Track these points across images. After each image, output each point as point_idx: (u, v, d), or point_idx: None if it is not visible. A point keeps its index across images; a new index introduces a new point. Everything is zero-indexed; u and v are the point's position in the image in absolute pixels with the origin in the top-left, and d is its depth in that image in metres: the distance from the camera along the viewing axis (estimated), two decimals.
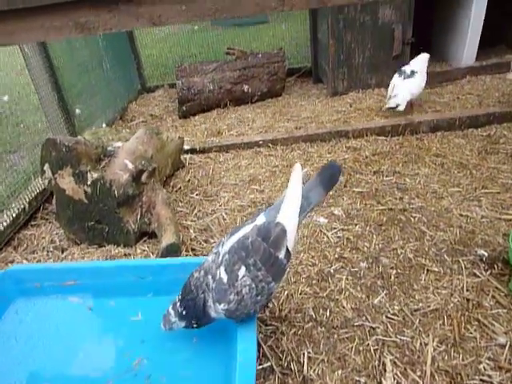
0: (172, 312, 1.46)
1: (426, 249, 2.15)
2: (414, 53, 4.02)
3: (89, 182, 2.17)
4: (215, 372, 1.51)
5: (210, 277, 1.40)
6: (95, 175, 2.18)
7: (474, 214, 2.38)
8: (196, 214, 2.63)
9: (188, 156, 3.40)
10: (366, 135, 3.44)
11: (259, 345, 1.70)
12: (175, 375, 1.51)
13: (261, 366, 1.63)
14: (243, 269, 1.35)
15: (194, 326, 1.48)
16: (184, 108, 4.50)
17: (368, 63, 4.36)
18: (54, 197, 2.38)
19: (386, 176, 2.88)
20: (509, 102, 3.77)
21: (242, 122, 4.17)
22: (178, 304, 1.44)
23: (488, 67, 4.48)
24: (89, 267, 1.92)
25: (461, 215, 2.39)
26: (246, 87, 4.61)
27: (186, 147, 3.41)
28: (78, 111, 3.38)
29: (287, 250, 1.41)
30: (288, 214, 1.41)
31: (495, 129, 3.37)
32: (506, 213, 2.36)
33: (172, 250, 2.09)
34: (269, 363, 1.64)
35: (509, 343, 1.63)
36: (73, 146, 2.16)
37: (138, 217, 2.28)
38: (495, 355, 1.60)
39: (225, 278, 1.36)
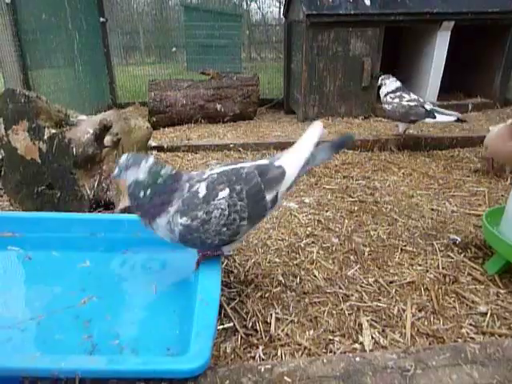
0: (136, 171, 1.25)
1: (399, 232, 2.08)
2: None
3: (45, 137, 1.99)
4: (168, 319, 1.29)
5: (186, 185, 1.25)
6: (53, 131, 2.00)
7: (444, 209, 2.36)
8: None
9: (154, 152, 3.26)
10: None
11: (221, 306, 1.50)
12: (120, 321, 1.27)
13: (222, 326, 1.42)
14: (226, 191, 1.25)
15: (134, 208, 1.29)
16: (154, 119, 4.43)
17: (338, 92, 4.54)
18: (4, 159, 2.16)
19: (356, 180, 2.86)
20: (470, 130, 3.97)
21: (213, 134, 4.12)
22: (147, 179, 1.24)
23: (448, 107, 4.75)
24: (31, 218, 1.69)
25: (432, 209, 2.36)
26: (219, 106, 4.63)
27: (153, 144, 3.28)
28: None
29: (276, 195, 1.33)
30: (291, 161, 1.35)
31: (458, 151, 3.50)
32: (475, 210, 2.36)
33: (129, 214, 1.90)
34: (231, 323, 1.43)
35: (490, 312, 1.52)
36: (33, 98, 2.01)
37: (96, 183, 2.09)
38: (477, 322, 1.48)
39: (202, 192, 1.24)
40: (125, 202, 1.94)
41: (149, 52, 14.04)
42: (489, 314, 1.51)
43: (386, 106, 3.41)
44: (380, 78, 3.52)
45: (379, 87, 3.54)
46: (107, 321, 1.23)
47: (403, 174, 3.01)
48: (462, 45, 4.82)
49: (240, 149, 3.39)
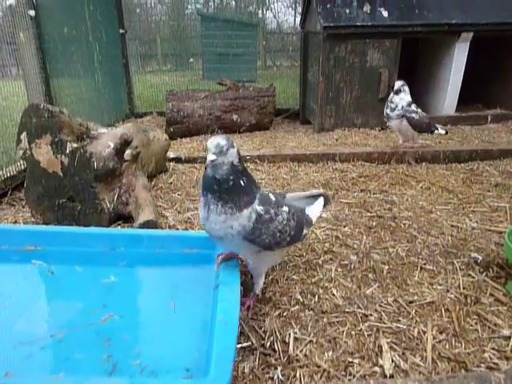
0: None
1: (419, 250, 2.05)
2: None
3: (67, 151, 2.03)
4: (187, 338, 1.29)
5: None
6: (75, 145, 2.04)
7: (464, 226, 2.32)
8: (176, 209, 2.47)
9: (172, 164, 3.29)
10: (353, 160, 3.45)
11: (239, 325, 1.50)
12: (139, 339, 1.28)
13: (240, 345, 1.42)
14: (287, 208, 1.50)
15: (223, 191, 1.34)
16: (171, 129, 4.48)
17: (355, 103, 4.53)
18: (27, 171, 2.21)
19: (374, 193, 2.84)
20: (490, 142, 3.91)
21: None
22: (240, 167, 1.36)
23: (467, 118, 4.72)
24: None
25: (452, 226, 2.32)
26: (235, 116, 4.66)
27: (171, 155, 3.32)
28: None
29: (304, 234, 1.63)
30: (314, 215, 1.69)
31: (477, 164, 3.44)
32: (496, 226, 2.32)
33: (148, 228, 1.92)
34: (249, 342, 1.43)
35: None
36: (56, 113, 2.05)
37: (116, 197, 2.12)
38: (500, 346, 1.45)
39: (272, 198, 1.47)
40: (144, 216, 1.97)
41: (165, 60, 14.27)
42: None
43: (414, 115, 3.37)
44: (400, 84, 3.42)
45: (397, 92, 3.42)
46: (127, 339, 1.24)
47: (421, 187, 2.97)
48: (482, 56, 4.77)
49: (257, 160, 3.40)
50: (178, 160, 3.35)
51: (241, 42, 11.56)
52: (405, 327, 1.53)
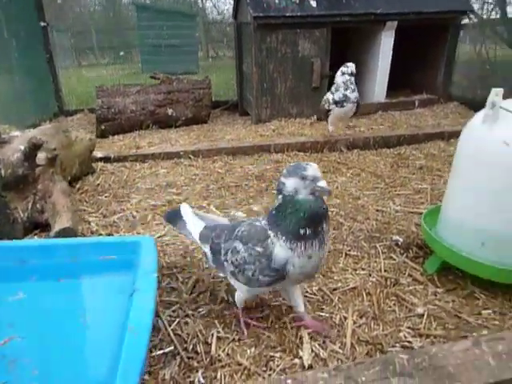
0: None
1: (344, 236, 2.10)
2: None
3: None
4: (97, 354, 1.23)
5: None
6: None
7: (388, 209, 2.41)
8: (102, 213, 2.36)
9: (100, 164, 3.15)
10: (288, 150, 3.48)
11: (160, 330, 1.46)
12: (45, 360, 1.21)
13: (161, 351, 1.38)
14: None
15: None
16: (103, 127, 4.28)
17: (290, 93, 4.56)
18: None
19: None
20: (417, 127, 4.10)
21: (165, 141, 4.03)
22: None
23: (396, 104, 4.91)
24: None
25: (377, 210, 2.41)
26: (170, 111, 4.54)
27: (98, 155, 3.17)
28: None
29: None
30: None
31: (405, 149, 3.60)
32: (418, 208, 2.43)
33: (65, 237, 1.81)
34: (171, 347, 1.40)
35: (427, 313, 1.57)
36: None
37: (30, 205, 1.98)
38: (414, 324, 1.52)
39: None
40: (61, 223, 1.85)
41: (103, 53, 13.60)
42: (425, 316, 1.55)
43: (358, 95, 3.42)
44: (354, 65, 3.36)
45: (353, 74, 3.34)
46: (30, 362, 1.16)
47: (352, 174, 3.06)
48: (407, 44, 4.97)
49: (191, 156, 3.33)
50: (106, 159, 3.21)
51: (179, 33, 11.27)
52: (327, 315, 1.56)
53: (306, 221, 1.18)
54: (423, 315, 1.56)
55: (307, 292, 1.69)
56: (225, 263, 1.39)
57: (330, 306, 1.62)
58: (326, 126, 3.67)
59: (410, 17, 4.50)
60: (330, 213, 2.35)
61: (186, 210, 1.63)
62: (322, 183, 1.17)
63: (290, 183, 1.19)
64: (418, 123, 4.34)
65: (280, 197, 1.23)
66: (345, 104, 3.38)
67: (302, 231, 1.19)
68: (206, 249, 1.49)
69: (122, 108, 4.35)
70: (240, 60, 5.09)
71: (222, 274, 1.59)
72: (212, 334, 1.45)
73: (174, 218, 1.65)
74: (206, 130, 4.52)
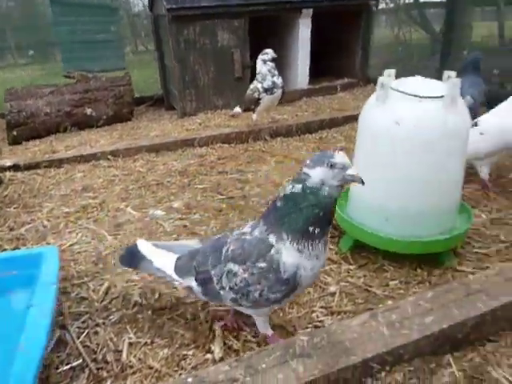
0: None
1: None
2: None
3: None
4: None
5: None
6: None
7: None
8: (8, 226, 2.20)
9: (9, 174, 2.91)
10: (212, 143, 3.44)
11: (67, 344, 1.39)
12: None
13: (68, 366, 1.31)
14: None
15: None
16: (14, 133, 3.97)
17: (213, 85, 4.51)
18: None
19: (230, 174, 2.87)
20: (339, 110, 4.23)
21: (84, 143, 3.81)
22: None
23: (320, 89, 5.03)
24: None
25: None
26: (89, 110, 4.31)
27: (7, 163, 2.94)
28: None
29: None
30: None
31: (326, 133, 3.70)
32: None
33: None
34: (79, 360, 1.33)
35: (339, 290, 1.62)
36: None
37: None
38: (327, 303, 1.56)
39: None
40: None
41: (21, 53, 12.61)
42: (338, 293, 1.61)
43: None
44: (272, 51, 3.40)
45: (274, 60, 3.41)
46: None
47: (275, 162, 3.09)
48: (327, 30, 5.10)
49: (109, 157, 3.19)
50: (16, 168, 2.98)
51: (101, 28, 10.72)
52: None
53: (319, 218, 1.07)
54: (335, 293, 1.61)
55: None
56: (221, 292, 1.22)
57: None
58: (250, 116, 3.68)
59: (323, 4, 4.60)
60: (251, 202, 2.38)
61: (145, 246, 1.39)
62: (353, 171, 1.05)
63: (317, 173, 1.05)
64: (340, 107, 4.48)
65: (299, 186, 1.07)
66: (275, 90, 3.43)
67: (311, 229, 1.08)
68: (191, 282, 1.28)
69: (35, 111, 4.06)
70: (161, 53, 4.94)
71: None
72: (123, 341, 1.40)
73: (132, 258, 1.41)
74: (130, 127, 4.35)
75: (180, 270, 1.29)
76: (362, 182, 1.07)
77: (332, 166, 1.04)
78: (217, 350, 1.32)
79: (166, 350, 1.36)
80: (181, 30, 4.18)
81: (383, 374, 1.12)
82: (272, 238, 1.11)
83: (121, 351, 1.36)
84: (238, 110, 3.90)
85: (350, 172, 1.05)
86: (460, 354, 1.22)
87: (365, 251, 1.87)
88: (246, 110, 3.76)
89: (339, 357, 1.06)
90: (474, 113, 3.12)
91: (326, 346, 1.10)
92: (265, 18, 4.74)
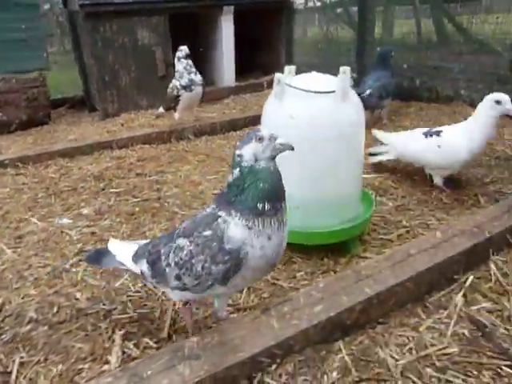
0: None
1: (177, 226, 2.08)
2: None
3: None
4: None
5: None
6: None
7: None
8: None
9: None
10: (132, 145, 3.33)
11: None
12: None
13: None
14: None
15: None
16: None
17: (136, 84, 4.37)
18: None
19: (149, 176, 2.79)
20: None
21: None
22: None
23: (247, 87, 5.06)
24: None
25: (214, 194, 2.44)
26: None
27: None
28: None
29: None
30: None
31: (247, 130, 3.72)
32: None
33: None
34: None
35: (245, 290, 1.62)
36: None
37: None
38: (234, 300, 1.56)
39: None
40: None
41: None
42: (245, 289, 1.61)
43: None
44: (187, 48, 3.39)
45: (189, 57, 3.39)
46: None
47: (198, 161, 3.06)
48: (252, 28, 5.13)
49: (18, 163, 2.98)
50: None
51: (18, 27, 10.00)
52: (148, 311, 1.52)
53: (266, 193, 1.06)
54: (242, 290, 1.61)
55: (131, 290, 1.63)
56: (166, 269, 1.18)
57: (153, 300, 1.58)
58: (173, 115, 3.61)
59: (245, 1, 4.63)
60: (166, 203, 2.34)
61: (114, 244, 1.40)
62: (282, 140, 1.07)
63: (247, 151, 1.07)
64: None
65: (237, 170, 1.08)
66: (193, 87, 3.38)
67: (260, 205, 1.06)
68: (143, 266, 1.26)
69: None
70: (80, 53, 4.71)
71: (165, 291, 1.34)
72: (14, 361, 1.31)
73: (98, 255, 1.42)
74: (46, 131, 4.12)
75: (137, 255, 1.30)
76: (292, 148, 1.10)
77: (260, 139, 1.07)
78: (113, 360, 1.27)
79: (60, 366, 1.29)
80: (97, 28, 4.01)
81: (274, 366, 1.14)
82: (221, 213, 1.11)
83: (10, 372, 1.27)
84: (161, 110, 3.82)
85: (279, 141, 1.08)
86: (350, 339, 1.27)
87: None
88: (167, 109, 3.68)
89: (227, 355, 1.06)
90: (372, 105, 3.30)
91: (215, 346, 1.09)
92: (187, 15, 4.68)
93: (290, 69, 1.84)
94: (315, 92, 1.60)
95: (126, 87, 4.34)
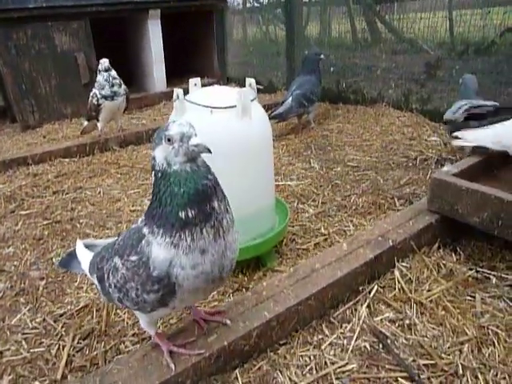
0: None
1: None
2: None
3: None
4: None
5: None
6: None
7: (145, 208, 2.36)
8: None
9: None
10: (50, 159, 3.13)
11: None
12: None
13: None
14: None
15: None
16: None
17: (58, 92, 4.13)
18: None
19: (67, 194, 2.63)
20: None
21: None
22: None
23: None
24: None
25: (132, 211, 2.34)
26: None
27: None
28: None
29: None
30: None
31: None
32: None
33: None
34: None
35: None
36: None
37: None
38: (140, 329, 1.48)
39: None
40: None
41: None
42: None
43: None
44: (108, 60, 3.24)
45: (109, 69, 3.23)
46: None
47: (121, 173, 2.93)
48: (183, 31, 5.02)
49: None
50: None
51: None
52: (44, 349, 1.41)
53: (186, 198, 0.90)
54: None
55: (28, 327, 1.50)
56: (109, 290, 1.07)
57: (51, 337, 1.47)
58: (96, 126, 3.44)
59: (172, 4, 4.51)
60: (78, 224, 2.20)
61: (80, 247, 1.30)
62: (196, 140, 0.90)
63: (159, 153, 0.92)
64: None
65: (152, 175, 0.95)
66: (115, 98, 3.24)
67: (182, 214, 0.90)
68: (95, 280, 1.16)
69: None
70: None
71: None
72: None
73: (69, 260, 1.36)
74: None
75: (90, 268, 1.20)
76: (209, 151, 0.91)
77: (169, 141, 0.91)
78: None
79: None
80: (9, 34, 3.74)
81: None
82: (146, 229, 0.98)
83: None
84: (85, 122, 3.62)
85: (192, 142, 0.90)
86: (249, 366, 1.24)
87: None
88: (89, 119, 3.50)
89: None
90: (295, 113, 3.34)
91: None
92: (114, 19, 4.48)
93: (195, 81, 1.79)
94: (213, 107, 1.55)
95: (47, 96, 4.09)
